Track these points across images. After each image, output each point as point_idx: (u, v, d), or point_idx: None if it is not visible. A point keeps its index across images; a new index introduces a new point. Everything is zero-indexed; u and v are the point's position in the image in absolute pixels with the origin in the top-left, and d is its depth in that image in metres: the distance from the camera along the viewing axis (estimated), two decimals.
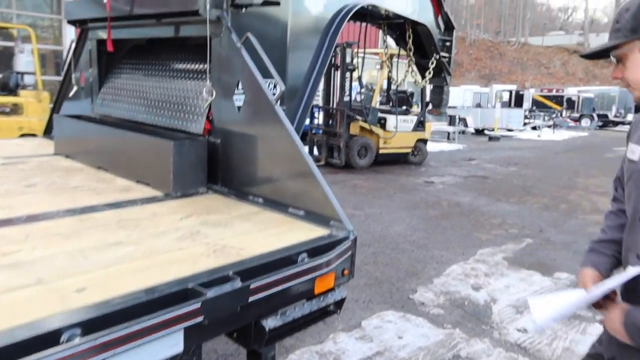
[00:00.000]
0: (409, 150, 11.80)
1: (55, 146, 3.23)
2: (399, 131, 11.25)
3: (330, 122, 11.11)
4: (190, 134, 2.60)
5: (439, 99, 5.53)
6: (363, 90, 11.98)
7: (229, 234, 1.83)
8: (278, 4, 2.36)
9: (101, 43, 3.26)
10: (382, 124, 11.37)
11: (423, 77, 5.29)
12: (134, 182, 2.54)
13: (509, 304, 4.28)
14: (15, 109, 8.21)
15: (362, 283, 4.53)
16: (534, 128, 24.03)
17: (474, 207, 7.92)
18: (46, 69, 12.90)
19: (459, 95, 37.61)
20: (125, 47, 3.35)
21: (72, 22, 3.31)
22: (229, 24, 2.31)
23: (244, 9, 2.41)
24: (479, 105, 29.32)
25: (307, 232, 1.93)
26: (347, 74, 10.54)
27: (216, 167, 2.49)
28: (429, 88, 6.33)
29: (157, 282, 1.35)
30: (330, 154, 11.04)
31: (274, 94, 2.28)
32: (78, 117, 3.25)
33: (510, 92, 35.88)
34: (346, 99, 10.67)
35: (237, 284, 1.43)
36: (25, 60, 9.52)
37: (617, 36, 1.39)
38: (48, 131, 3.88)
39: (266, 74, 2.56)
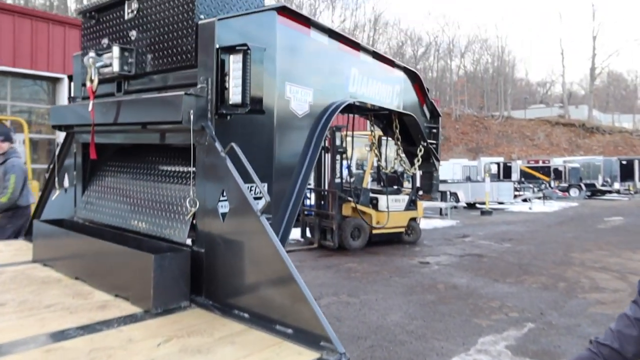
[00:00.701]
0: (403, 230, 11.70)
1: (34, 253, 3.10)
2: (391, 211, 11.22)
3: (322, 203, 11.09)
4: (174, 242, 2.50)
5: (429, 185, 5.54)
6: (353, 171, 12.10)
7: None
8: (263, 112, 2.35)
9: (86, 146, 3.23)
10: (374, 204, 11.36)
11: (412, 163, 5.32)
12: (112, 297, 2.39)
13: None
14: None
15: None
16: (524, 200, 24.21)
17: (472, 289, 7.71)
18: (39, 156, 12.99)
19: (449, 169, 38.25)
20: (110, 150, 3.33)
21: (57, 127, 3.31)
22: (213, 133, 2.29)
23: (229, 117, 2.40)
24: (468, 178, 29.71)
25: (295, 357, 1.78)
26: (338, 157, 10.67)
27: (200, 277, 2.36)
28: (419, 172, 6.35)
29: None
30: (323, 236, 10.92)
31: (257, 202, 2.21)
32: (59, 222, 3.15)
33: (498, 164, 36.60)
34: (337, 180, 10.73)
35: None
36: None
37: None
38: (30, 232, 3.76)
39: (250, 178, 2.51)
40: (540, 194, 25.18)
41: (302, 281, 1.97)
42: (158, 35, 2.61)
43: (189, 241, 2.56)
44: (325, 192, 10.89)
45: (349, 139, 9.74)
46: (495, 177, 33.84)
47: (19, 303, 2.30)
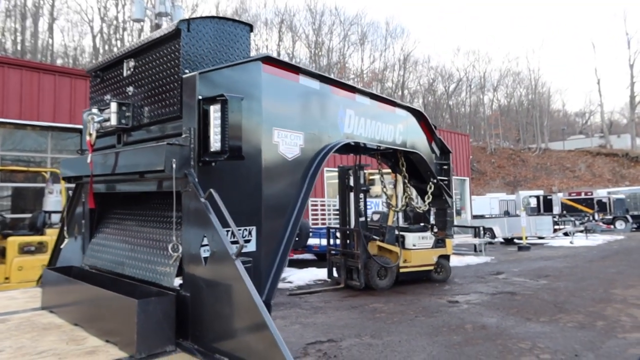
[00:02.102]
0: (431, 268, 11.44)
1: (42, 300, 3.23)
2: (418, 248, 11.03)
3: (348, 242, 11.02)
4: (164, 287, 2.56)
5: (442, 222, 5.47)
6: (382, 210, 12.02)
7: None
8: (242, 158, 2.44)
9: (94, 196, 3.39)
10: (401, 242, 11.20)
11: (424, 201, 5.29)
12: (103, 342, 2.46)
13: None
14: (40, 247, 8.50)
15: None
16: (565, 234, 23.29)
17: (501, 329, 7.40)
18: None
19: (486, 204, 37.47)
20: (117, 199, 3.48)
21: (66, 178, 3.50)
22: (196, 179, 2.38)
23: (213, 164, 2.49)
24: (507, 213, 28.94)
25: None
26: (361, 195, 10.66)
27: (187, 321, 2.41)
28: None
29: None
30: (350, 275, 10.79)
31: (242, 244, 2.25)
32: (67, 269, 3.28)
33: (538, 197, 35.58)
34: (362, 219, 10.67)
35: None
36: (54, 200, 10.04)
37: None
38: None
39: (238, 221, 2.57)
40: (582, 228, 24.19)
41: (275, 326, 1.99)
42: (151, 90, 2.77)
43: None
44: (350, 231, 10.83)
45: (376, 177, 9.76)
46: (535, 211, 32.86)
47: (16, 349, 2.40)
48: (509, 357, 6.09)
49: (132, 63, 2.94)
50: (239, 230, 2.64)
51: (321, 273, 12.15)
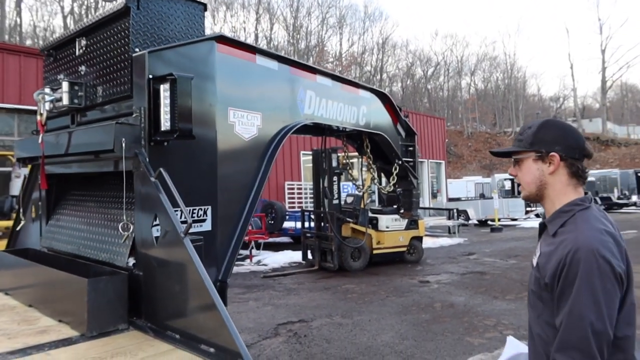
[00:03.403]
0: (404, 249, 11.62)
1: None
2: (391, 230, 11.18)
3: (323, 225, 11.10)
4: (117, 267, 2.57)
5: (408, 202, 5.55)
6: (357, 193, 12.10)
7: None
8: (193, 137, 2.44)
9: (49, 177, 3.35)
10: (374, 224, 11.33)
11: (389, 182, 5.35)
12: (56, 322, 2.46)
13: None
14: (7, 233, 8.35)
15: None
16: (537, 215, 23.83)
17: (469, 307, 7.60)
18: None
19: (462, 187, 37.92)
20: (75, 180, 3.44)
21: (20, 159, 3.44)
22: (147, 159, 2.37)
23: (166, 143, 2.49)
24: (482, 196, 29.40)
25: None
26: (335, 178, 10.71)
27: (140, 300, 2.42)
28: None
29: None
30: (324, 257, 10.90)
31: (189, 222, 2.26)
32: (24, 251, 3.25)
33: (512, 180, 36.18)
34: (335, 202, 10.74)
35: None
36: (21, 184, 9.83)
37: (519, 145, 1.72)
38: None
39: (193, 201, 2.58)
40: None
41: (223, 305, 2.02)
42: (103, 68, 2.74)
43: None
44: (324, 214, 10.91)
45: (353, 160, 9.80)
46: (510, 193, 33.44)
47: None
48: (474, 334, 6.27)
49: (83, 42, 2.89)
50: (194, 209, 2.65)
51: (296, 256, 12.23)
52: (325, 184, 10.41)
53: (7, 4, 39.27)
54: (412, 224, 11.72)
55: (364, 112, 4.36)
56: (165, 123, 2.36)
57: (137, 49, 2.51)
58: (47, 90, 2.94)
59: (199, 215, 2.67)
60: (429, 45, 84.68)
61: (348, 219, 10.93)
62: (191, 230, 2.65)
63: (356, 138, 5.09)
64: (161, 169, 2.28)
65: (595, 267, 1.40)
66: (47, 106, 2.92)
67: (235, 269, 11.20)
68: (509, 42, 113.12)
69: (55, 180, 3.30)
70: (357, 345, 5.89)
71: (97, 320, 2.27)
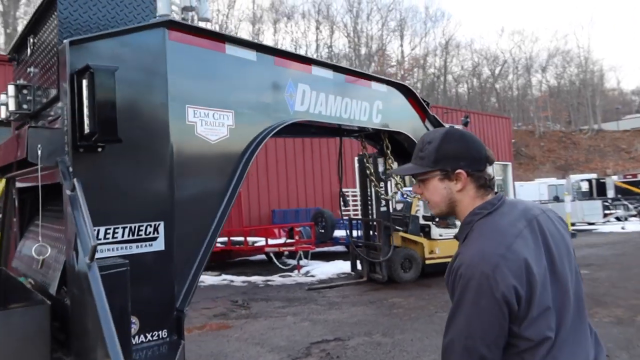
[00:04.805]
0: None
1: None
2: (446, 238, 10.38)
3: (371, 233, 10.50)
4: (50, 295, 2.22)
5: None
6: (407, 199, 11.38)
7: None
8: (119, 141, 2.03)
9: (21, 192, 3.11)
10: (426, 232, 10.58)
11: None
12: None
13: None
14: None
15: None
16: (617, 219, 21.71)
17: None
18: None
19: (535, 190, 35.63)
20: (54, 192, 3.17)
21: None
22: (69, 169, 2.00)
23: (99, 149, 2.11)
24: (556, 199, 27.38)
25: None
26: (381, 184, 10.09)
27: (68, 332, 2.05)
28: None
29: None
30: (373, 268, 10.29)
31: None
32: None
33: (590, 181, 33.46)
34: (383, 209, 10.10)
35: None
36: None
37: (422, 164, 1.59)
38: None
39: (140, 216, 2.20)
40: (636, 212, 22.47)
41: (119, 354, 1.58)
42: (43, 67, 2.42)
43: None
44: (372, 222, 10.31)
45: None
46: (587, 195, 30.94)
47: None
48: None
49: (31, 40, 2.61)
50: (141, 226, 2.25)
51: (347, 266, 11.69)
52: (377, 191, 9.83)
53: None
54: None
55: (379, 108, 3.82)
56: (87, 125, 1.98)
57: (64, 41, 2.16)
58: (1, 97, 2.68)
59: (147, 233, 2.27)
60: (495, 43, 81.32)
61: (397, 228, 10.27)
62: (138, 251, 2.27)
63: (377, 138, 4.54)
64: (75, 181, 1.89)
65: (473, 285, 1.39)
66: (3, 114, 2.66)
67: (280, 281, 10.87)
68: (581, 35, 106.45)
69: (29, 194, 3.04)
70: None
71: None
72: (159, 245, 2.31)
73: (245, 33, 45.96)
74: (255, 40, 2.90)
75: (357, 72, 3.72)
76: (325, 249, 14.59)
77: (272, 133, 2.85)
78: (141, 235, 2.26)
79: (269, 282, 10.74)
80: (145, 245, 2.26)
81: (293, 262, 12.02)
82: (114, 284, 1.84)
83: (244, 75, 2.78)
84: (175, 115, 2.39)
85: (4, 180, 3.22)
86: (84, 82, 1.99)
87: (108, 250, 2.17)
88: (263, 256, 13.30)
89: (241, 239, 12.09)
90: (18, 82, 2.84)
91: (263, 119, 2.85)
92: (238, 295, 9.48)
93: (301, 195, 16.49)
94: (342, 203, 5.53)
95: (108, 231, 2.17)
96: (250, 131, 2.77)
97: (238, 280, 11.01)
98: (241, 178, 2.64)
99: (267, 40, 48.00)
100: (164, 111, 2.35)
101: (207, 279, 11.08)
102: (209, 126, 2.54)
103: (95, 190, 2.12)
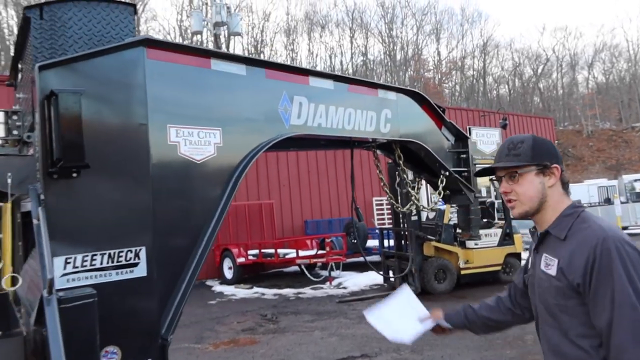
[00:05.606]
0: (499, 268, 10.30)
1: None
2: (481, 247, 9.98)
3: (404, 243, 10.24)
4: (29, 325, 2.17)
5: (465, 221, 4.67)
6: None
7: None
8: (86, 166, 1.97)
9: (25, 215, 3.12)
10: (462, 241, 10.20)
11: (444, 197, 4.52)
12: None
13: None
14: None
15: None
16: None
17: None
18: None
19: (584, 192, 34.03)
20: None
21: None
22: (39, 196, 1.95)
23: (74, 174, 2.06)
24: (608, 201, 26.07)
25: None
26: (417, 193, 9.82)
27: None
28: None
29: None
30: (405, 279, 10.00)
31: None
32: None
33: None
34: (414, 218, 9.83)
35: None
36: None
37: (519, 160, 1.68)
38: None
39: (120, 241, 2.13)
40: None
41: None
42: (30, 93, 2.41)
43: None
44: (403, 232, 10.05)
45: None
46: None
47: None
48: None
49: (21, 65, 2.61)
50: (121, 252, 2.18)
51: (379, 277, 11.44)
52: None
53: None
54: (507, 238, 10.38)
55: (387, 117, 3.66)
56: (55, 150, 1.93)
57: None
58: None
59: (127, 259, 2.20)
60: (537, 42, 78.49)
61: (429, 237, 9.95)
62: (118, 278, 2.20)
63: (390, 148, 4.36)
64: (39, 209, 1.84)
65: (625, 255, 1.45)
66: None
67: (311, 293, 10.74)
68: (629, 28, 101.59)
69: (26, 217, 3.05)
70: None
71: None
72: (140, 271, 2.23)
73: (280, 45, 46.40)
74: (246, 55, 2.81)
75: (361, 80, 3.58)
76: (360, 259, 14.37)
77: (265, 149, 2.74)
78: (121, 261, 2.19)
79: (300, 295, 10.63)
80: (126, 272, 2.19)
81: (325, 273, 11.88)
82: (79, 316, 1.77)
83: (232, 90, 2.69)
84: (155, 135, 2.32)
85: (9, 204, 3.25)
86: (52, 107, 1.94)
87: (86, 278, 2.11)
88: (296, 268, 13.22)
89: (272, 251, 12.05)
90: (14, 107, 2.86)
91: (254, 134, 2.75)
92: (268, 308, 9.41)
93: (334, 205, 16.34)
94: (356, 217, 5.35)
95: (85, 258, 2.11)
96: (241, 148, 2.68)
97: (269, 293, 10.96)
98: (231, 195, 2.54)
99: (302, 50, 48.17)
100: (144, 132, 2.28)
101: (239, 292, 11.10)
102: (193, 145, 2.46)
103: (71, 216, 2.07)
